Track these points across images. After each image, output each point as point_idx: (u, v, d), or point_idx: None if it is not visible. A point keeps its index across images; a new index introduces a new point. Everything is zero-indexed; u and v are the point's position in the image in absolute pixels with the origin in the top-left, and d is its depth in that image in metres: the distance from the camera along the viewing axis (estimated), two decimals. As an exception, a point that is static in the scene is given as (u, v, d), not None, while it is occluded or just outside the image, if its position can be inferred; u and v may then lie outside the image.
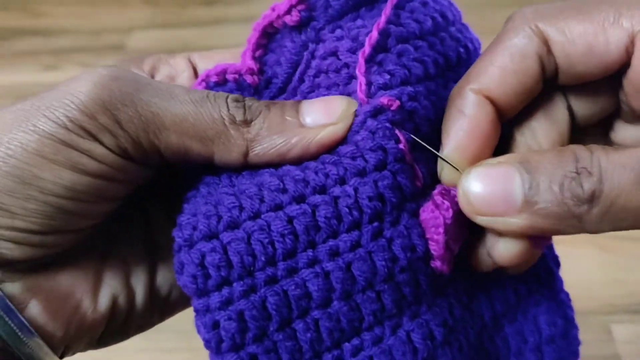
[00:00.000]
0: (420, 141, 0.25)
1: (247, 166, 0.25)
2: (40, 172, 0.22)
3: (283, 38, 0.29)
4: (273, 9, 0.28)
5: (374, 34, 0.25)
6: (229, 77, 0.28)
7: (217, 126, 0.24)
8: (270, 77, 0.29)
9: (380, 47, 0.25)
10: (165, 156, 0.24)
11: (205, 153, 0.24)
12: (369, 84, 0.25)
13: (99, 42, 1.03)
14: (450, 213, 0.23)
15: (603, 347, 0.52)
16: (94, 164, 0.23)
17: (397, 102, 0.24)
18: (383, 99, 0.24)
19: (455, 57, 0.27)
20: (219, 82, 0.28)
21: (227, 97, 0.24)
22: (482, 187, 0.22)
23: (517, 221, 0.22)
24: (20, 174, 0.22)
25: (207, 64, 0.28)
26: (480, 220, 0.23)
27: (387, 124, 0.24)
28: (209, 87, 0.27)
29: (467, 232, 0.25)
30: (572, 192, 0.21)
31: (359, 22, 0.27)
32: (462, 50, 0.28)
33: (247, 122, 0.24)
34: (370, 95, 0.25)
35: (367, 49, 0.25)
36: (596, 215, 0.21)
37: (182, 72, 0.28)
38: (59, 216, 0.23)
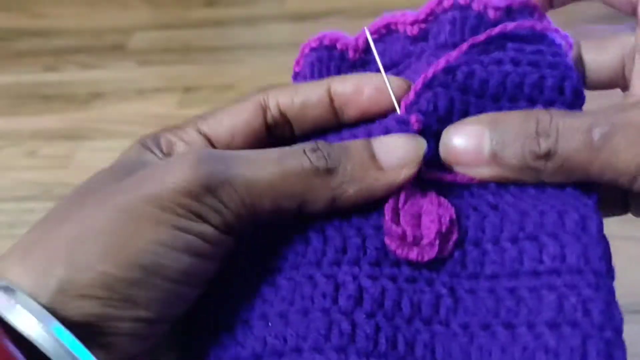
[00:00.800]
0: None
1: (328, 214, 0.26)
2: (162, 260, 0.23)
3: (394, 40, 0.31)
4: (403, 15, 0.31)
5: (441, 63, 0.27)
6: (339, 45, 0.31)
7: (304, 181, 0.25)
8: (369, 61, 0.31)
9: (441, 81, 0.27)
10: (260, 220, 0.25)
11: (295, 208, 0.25)
12: (414, 102, 0.27)
13: (99, 42, 1.03)
14: (400, 195, 0.26)
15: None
16: (206, 246, 0.24)
17: (419, 127, 0.26)
18: (413, 117, 0.26)
19: None
20: (329, 46, 0.31)
21: (304, 150, 0.25)
22: (459, 141, 0.26)
23: (486, 171, 0.26)
24: (145, 263, 0.22)
25: (216, 130, 0.28)
26: (457, 169, 0.26)
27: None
28: (318, 48, 0.31)
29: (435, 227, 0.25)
30: (530, 150, 0.25)
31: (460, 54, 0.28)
32: None
33: (330, 172, 0.25)
34: (407, 110, 0.27)
35: (429, 72, 0.27)
36: (551, 168, 0.25)
37: (198, 145, 0.28)
38: (175, 302, 0.24)
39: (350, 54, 0.31)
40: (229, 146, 0.28)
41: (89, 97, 0.91)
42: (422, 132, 0.26)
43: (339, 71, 0.31)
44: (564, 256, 0.24)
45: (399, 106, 0.27)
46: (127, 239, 0.22)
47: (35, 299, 0.21)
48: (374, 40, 0.31)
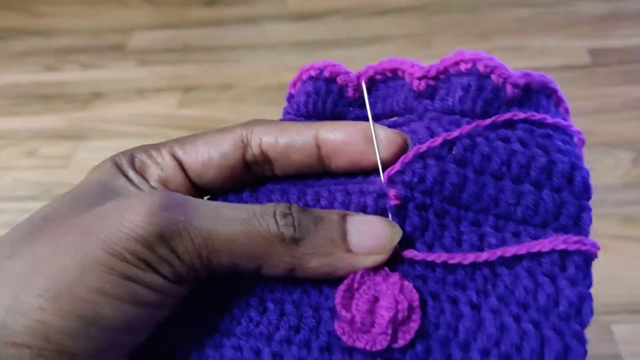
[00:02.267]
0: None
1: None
2: (102, 310, 0.22)
3: (398, 87, 0.29)
4: (412, 65, 0.29)
5: (438, 140, 0.25)
6: (339, 80, 0.29)
7: (267, 245, 0.24)
8: (370, 102, 0.29)
9: (435, 153, 0.25)
10: (213, 273, 0.24)
11: (253, 268, 0.24)
12: (399, 172, 0.26)
13: (99, 42, 1.03)
14: (354, 278, 0.24)
15: (603, 347, 0.52)
16: (151, 295, 0.23)
17: (397, 202, 0.25)
18: (392, 192, 0.25)
19: (506, 213, 0.25)
20: (329, 79, 0.29)
21: (274, 212, 0.24)
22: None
23: None
24: (84, 313, 0.21)
25: (191, 157, 0.27)
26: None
27: (374, 207, 0.26)
28: (317, 78, 0.29)
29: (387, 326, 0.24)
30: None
31: (456, 129, 0.26)
32: (519, 212, 0.25)
33: (296, 241, 0.24)
34: (391, 180, 0.26)
35: (423, 146, 0.25)
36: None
37: (171, 171, 0.27)
38: (115, 352, 0.22)
39: (350, 92, 0.30)
40: (200, 176, 0.27)
41: (89, 97, 0.91)
42: (401, 206, 0.25)
43: (335, 107, 0.30)
44: None
45: (383, 171, 0.26)
46: (69, 286, 0.21)
47: None
48: (377, 81, 0.30)
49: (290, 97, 0.31)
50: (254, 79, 0.90)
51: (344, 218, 0.25)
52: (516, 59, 0.87)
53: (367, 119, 0.27)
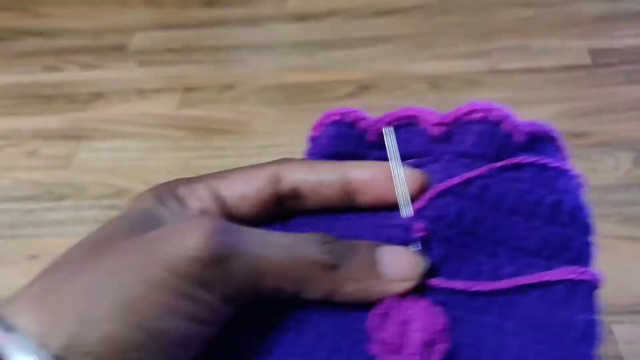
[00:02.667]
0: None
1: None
2: (164, 324, 0.23)
3: (414, 132, 0.31)
4: (428, 113, 0.31)
5: (457, 180, 0.28)
6: (360, 125, 0.31)
7: (309, 270, 0.26)
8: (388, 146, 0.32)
9: (454, 191, 0.28)
10: (259, 296, 0.26)
11: (294, 292, 0.26)
12: (423, 207, 0.28)
13: (100, 42, 1.03)
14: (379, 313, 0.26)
15: (604, 348, 0.52)
16: (207, 313, 0.24)
17: (423, 234, 0.27)
18: (418, 225, 0.27)
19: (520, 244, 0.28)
20: (350, 124, 0.31)
21: (315, 240, 0.26)
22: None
23: None
24: (149, 326, 0.23)
25: (228, 192, 0.29)
26: None
27: (400, 239, 0.27)
28: (340, 123, 0.31)
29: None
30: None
31: (470, 170, 0.29)
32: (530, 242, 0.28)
33: (335, 267, 0.26)
34: (416, 214, 0.28)
35: (444, 185, 0.28)
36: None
37: (208, 203, 0.29)
38: None
39: (370, 135, 0.32)
40: (237, 209, 0.29)
41: (89, 97, 0.91)
42: (427, 238, 0.27)
43: (357, 149, 0.32)
44: None
45: (407, 205, 0.28)
46: (136, 301, 0.23)
47: (44, 350, 0.21)
48: (395, 127, 0.32)
49: (314, 139, 0.33)
50: (254, 79, 0.90)
51: (372, 247, 0.27)
52: (517, 59, 0.87)
53: (387, 161, 0.30)
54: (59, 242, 0.70)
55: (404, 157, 0.31)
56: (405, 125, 0.32)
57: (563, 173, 0.29)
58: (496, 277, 0.27)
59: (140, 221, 0.27)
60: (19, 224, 0.73)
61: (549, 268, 0.27)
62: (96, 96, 0.91)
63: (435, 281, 0.27)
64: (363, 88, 0.87)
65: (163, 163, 0.77)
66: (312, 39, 0.97)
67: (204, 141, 0.80)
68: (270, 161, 0.30)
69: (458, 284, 0.27)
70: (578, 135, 0.73)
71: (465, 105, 0.30)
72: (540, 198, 0.28)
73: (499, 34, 0.92)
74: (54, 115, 0.88)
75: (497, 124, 0.30)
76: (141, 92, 0.91)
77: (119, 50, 1.00)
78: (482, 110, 0.30)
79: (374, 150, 0.32)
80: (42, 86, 0.94)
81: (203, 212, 0.29)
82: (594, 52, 0.86)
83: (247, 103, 0.86)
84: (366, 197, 0.29)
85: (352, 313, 0.27)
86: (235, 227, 0.26)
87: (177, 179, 0.30)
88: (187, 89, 0.90)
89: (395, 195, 0.29)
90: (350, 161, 0.30)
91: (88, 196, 0.75)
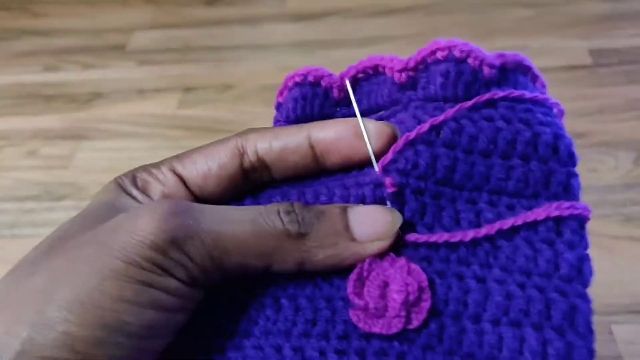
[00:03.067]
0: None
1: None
2: (125, 317, 0.22)
3: (380, 82, 0.30)
4: (391, 60, 0.30)
5: (425, 126, 0.26)
6: (323, 82, 0.30)
7: (274, 242, 0.25)
8: (356, 100, 0.31)
9: (423, 138, 0.26)
10: (226, 275, 0.25)
11: (263, 267, 0.25)
12: (393, 161, 0.27)
13: (100, 42, 1.03)
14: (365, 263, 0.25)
15: (604, 348, 0.52)
16: (171, 299, 0.23)
17: (394, 189, 0.26)
18: (388, 180, 0.26)
19: (497, 187, 0.27)
20: (313, 83, 0.30)
21: (278, 211, 0.25)
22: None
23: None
24: (108, 322, 0.22)
25: (191, 171, 0.28)
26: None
27: (372, 197, 0.26)
28: (302, 83, 0.30)
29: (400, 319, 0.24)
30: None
31: (441, 114, 0.27)
32: (508, 184, 0.27)
33: (301, 235, 0.25)
34: (385, 169, 0.27)
35: (412, 134, 0.26)
36: None
37: (172, 186, 0.28)
38: (139, 358, 0.23)
39: (335, 92, 0.30)
40: (201, 188, 0.28)
41: (89, 97, 0.91)
42: (399, 193, 0.26)
43: (322, 109, 0.31)
44: (546, 355, 0.23)
45: (377, 161, 0.27)
46: (90, 296, 0.22)
47: None
48: (360, 80, 0.31)
49: (279, 106, 0.32)
50: (254, 79, 0.90)
51: (344, 210, 0.26)
52: (517, 59, 0.87)
53: (354, 117, 0.28)
54: (59, 242, 0.70)
55: (372, 110, 0.30)
56: (370, 76, 0.31)
57: (540, 103, 0.27)
58: (477, 225, 0.26)
59: (100, 214, 0.26)
60: (19, 224, 0.73)
61: (532, 208, 0.25)
62: (96, 96, 0.91)
63: (412, 236, 0.26)
64: (363, 88, 0.86)
65: (163, 163, 0.77)
66: (312, 39, 0.97)
67: (203, 141, 0.79)
68: (233, 135, 0.29)
69: (437, 237, 0.25)
70: (578, 135, 0.73)
71: (428, 46, 0.29)
72: (515, 134, 0.26)
73: (499, 34, 0.92)
74: (54, 115, 0.88)
75: (462, 60, 0.28)
76: (141, 92, 0.91)
77: (118, 49, 1.00)
78: (445, 47, 0.28)
79: (341, 109, 0.31)
80: (42, 86, 0.94)
81: (165, 197, 0.28)
82: (594, 52, 0.86)
83: (247, 103, 0.86)
84: (334, 158, 0.28)
85: (327, 282, 0.26)
86: (192, 206, 0.25)
87: (140, 166, 0.29)
88: (187, 89, 0.90)
89: (364, 153, 0.27)
90: (313, 122, 0.29)
91: (88, 196, 0.74)
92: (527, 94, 0.27)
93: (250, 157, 0.28)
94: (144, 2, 1.11)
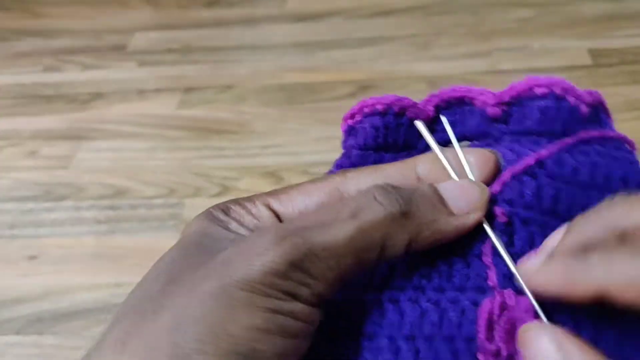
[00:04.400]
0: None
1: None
2: (257, 345, 0.22)
3: (466, 114, 0.31)
4: (481, 93, 0.30)
5: (531, 160, 0.27)
6: (408, 114, 0.30)
7: (381, 228, 0.24)
8: (437, 130, 0.31)
9: (529, 171, 0.27)
10: (345, 280, 0.24)
11: (376, 257, 0.25)
12: (498, 193, 0.27)
13: (100, 42, 1.03)
14: (498, 311, 0.25)
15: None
16: (297, 324, 0.23)
17: (505, 220, 0.26)
18: (499, 210, 0.26)
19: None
20: (398, 113, 0.30)
21: (374, 196, 0.25)
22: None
23: None
24: (242, 350, 0.22)
25: (287, 207, 0.28)
26: None
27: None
28: (385, 113, 0.30)
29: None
30: None
31: (539, 148, 0.28)
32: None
33: (405, 215, 0.24)
34: (492, 200, 0.27)
35: (518, 167, 0.27)
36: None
37: (267, 221, 0.28)
38: None
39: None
40: None
41: (89, 97, 0.91)
42: (508, 223, 0.26)
43: (406, 139, 0.31)
44: None
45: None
46: (223, 327, 0.22)
47: None
48: (442, 110, 0.31)
49: (351, 130, 0.31)
50: (254, 79, 0.90)
51: (434, 186, 0.26)
52: (517, 59, 0.87)
53: (437, 149, 0.29)
54: (59, 242, 0.70)
55: (459, 140, 0.30)
56: (454, 106, 0.31)
57: (620, 142, 0.29)
58: None
59: (201, 245, 0.26)
60: (18, 224, 0.73)
61: None
62: (96, 96, 0.91)
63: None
64: (363, 88, 0.86)
65: (163, 163, 0.77)
66: (312, 39, 0.97)
67: (203, 141, 0.80)
68: (329, 175, 0.29)
69: None
70: (578, 135, 0.73)
71: (524, 82, 0.29)
72: (610, 171, 0.27)
73: (499, 34, 0.92)
74: (54, 115, 0.88)
75: (561, 97, 0.29)
76: (141, 92, 0.91)
77: (119, 50, 1.00)
78: (544, 85, 0.29)
79: (421, 139, 0.31)
80: (42, 86, 0.94)
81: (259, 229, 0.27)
82: (594, 52, 0.86)
83: (247, 103, 0.86)
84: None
85: (444, 328, 0.25)
86: (294, 225, 0.25)
87: (233, 199, 0.29)
88: (187, 89, 0.90)
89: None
90: (418, 156, 0.29)
91: (87, 196, 0.75)
92: (612, 133, 0.29)
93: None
94: (144, 3, 1.11)
